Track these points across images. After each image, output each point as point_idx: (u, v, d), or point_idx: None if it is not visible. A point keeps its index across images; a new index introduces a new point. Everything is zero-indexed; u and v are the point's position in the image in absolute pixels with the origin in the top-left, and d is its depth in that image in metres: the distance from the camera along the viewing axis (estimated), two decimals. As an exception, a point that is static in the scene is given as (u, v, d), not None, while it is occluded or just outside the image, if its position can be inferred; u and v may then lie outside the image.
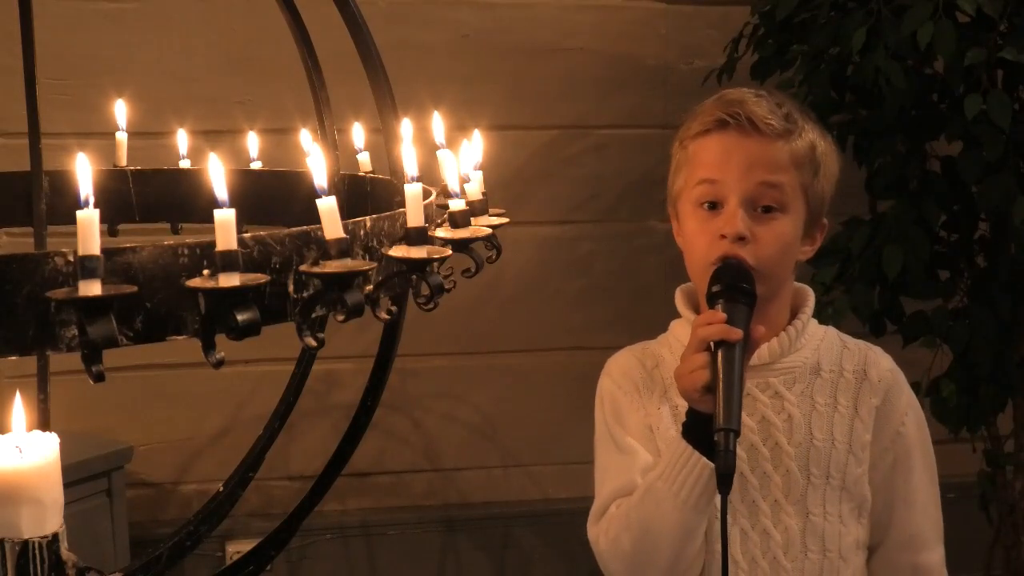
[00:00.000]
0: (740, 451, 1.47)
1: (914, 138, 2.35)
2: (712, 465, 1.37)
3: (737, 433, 1.32)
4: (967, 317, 2.35)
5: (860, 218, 2.40)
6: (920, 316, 2.39)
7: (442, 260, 1.05)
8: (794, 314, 1.56)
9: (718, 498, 1.35)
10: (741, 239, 1.44)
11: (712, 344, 1.38)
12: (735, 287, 1.41)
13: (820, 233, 1.56)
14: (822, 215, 1.55)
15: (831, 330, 1.61)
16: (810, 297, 1.58)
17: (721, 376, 1.35)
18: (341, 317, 0.93)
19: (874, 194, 2.43)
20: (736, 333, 1.37)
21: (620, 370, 1.60)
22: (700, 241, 1.49)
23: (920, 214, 2.30)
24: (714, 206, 1.48)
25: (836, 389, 1.54)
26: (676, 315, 1.61)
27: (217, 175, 0.90)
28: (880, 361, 1.58)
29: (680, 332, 1.58)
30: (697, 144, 1.52)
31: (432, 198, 1.17)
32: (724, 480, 1.30)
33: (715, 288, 1.43)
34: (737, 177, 1.47)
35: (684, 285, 1.60)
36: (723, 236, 1.45)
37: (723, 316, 1.38)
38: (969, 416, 2.39)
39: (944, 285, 2.41)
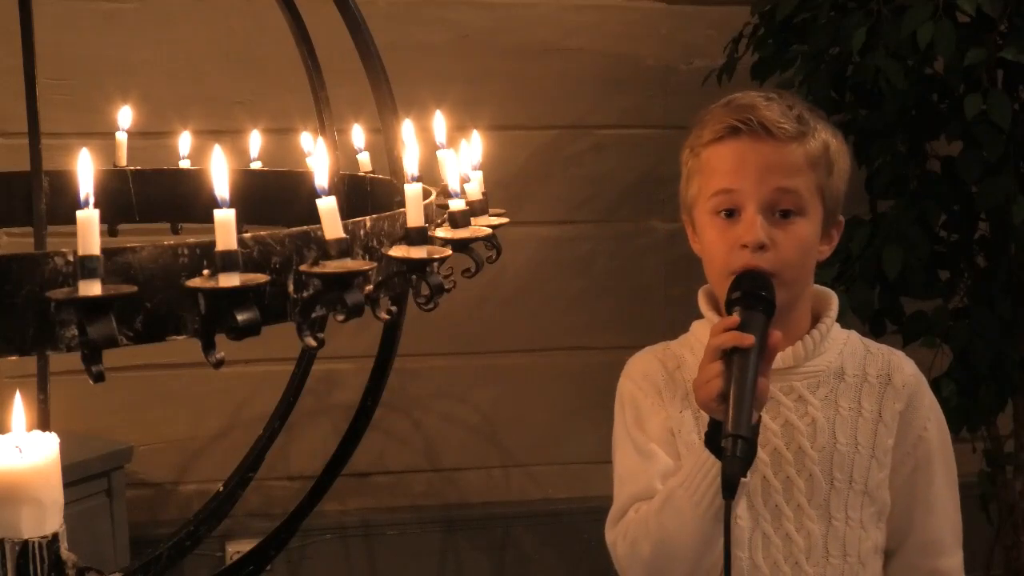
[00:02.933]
0: (763, 455, 1.47)
1: (914, 138, 2.35)
2: None
3: (744, 439, 1.30)
4: (967, 317, 2.35)
5: (860, 218, 2.39)
6: (920, 316, 2.39)
7: (442, 260, 1.05)
8: (816, 317, 1.56)
9: (740, 504, 1.34)
10: (761, 247, 1.44)
11: (728, 352, 1.37)
12: (753, 294, 1.41)
13: (837, 231, 1.55)
14: (838, 213, 1.54)
15: (854, 334, 1.60)
16: (834, 300, 1.57)
17: (733, 382, 1.34)
18: (341, 317, 0.93)
19: (874, 194, 2.43)
20: (747, 339, 1.36)
21: (640, 372, 1.58)
22: (720, 250, 1.48)
23: (920, 214, 2.30)
24: (731, 214, 1.47)
25: (860, 393, 1.54)
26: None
27: (219, 168, 0.90)
28: (904, 366, 1.57)
29: (701, 333, 1.57)
30: (709, 152, 1.50)
31: (432, 198, 1.17)
32: (727, 486, 1.29)
33: (734, 295, 1.42)
34: (753, 184, 1.45)
35: (707, 286, 1.59)
36: (744, 245, 1.44)
37: (736, 321, 1.38)
38: (969, 416, 2.39)
39: (944, 285, 2.42)
